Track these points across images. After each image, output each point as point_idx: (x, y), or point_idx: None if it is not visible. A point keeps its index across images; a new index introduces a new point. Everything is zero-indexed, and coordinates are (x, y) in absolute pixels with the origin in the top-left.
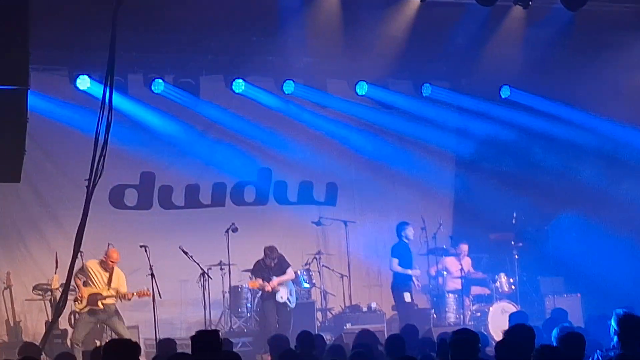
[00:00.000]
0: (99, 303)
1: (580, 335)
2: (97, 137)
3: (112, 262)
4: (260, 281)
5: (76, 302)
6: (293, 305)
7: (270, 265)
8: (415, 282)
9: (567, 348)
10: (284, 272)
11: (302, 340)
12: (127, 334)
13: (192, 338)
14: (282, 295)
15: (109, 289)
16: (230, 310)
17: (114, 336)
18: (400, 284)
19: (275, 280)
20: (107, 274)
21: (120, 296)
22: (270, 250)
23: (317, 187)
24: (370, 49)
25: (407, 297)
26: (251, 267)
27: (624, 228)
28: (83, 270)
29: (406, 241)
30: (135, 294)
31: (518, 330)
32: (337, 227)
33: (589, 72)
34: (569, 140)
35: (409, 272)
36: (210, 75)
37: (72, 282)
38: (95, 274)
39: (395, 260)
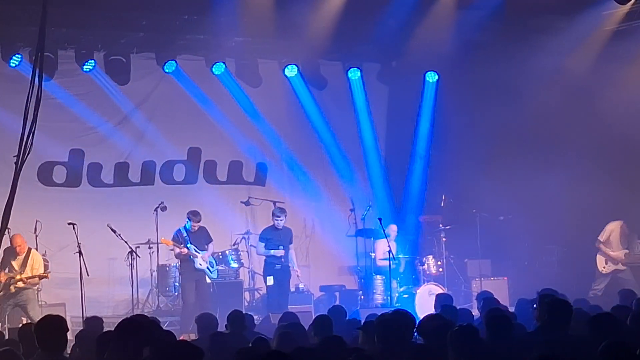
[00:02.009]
0: (11, 287)
1: (506, 317)
2: (26, 114)
3: (17, 247)
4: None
5: None
6: (214, 276)
7: (192, 229)
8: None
9: (493, 328)
10: (205, 243)
11: (232, 319)
12: (37, 314)
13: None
14: (201, 263)
15: (22, 273)
16: (157, 289)
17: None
18: (266, 268)
19: (193, 251)
20: (21, 258)
21: (29, 280)
22: (193, 214)
23: (246, 167)
24: (302, 29)
25: (269, 280)
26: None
27: (550, 214)
28: (3, 259)
29: (275, 227)
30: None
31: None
32: (266, 208)
33: (519, 56)
34: (498, 127)
35: (271, 252)
36: (141, 53)
37: None
38: (9, 260)
39: (262, 245)
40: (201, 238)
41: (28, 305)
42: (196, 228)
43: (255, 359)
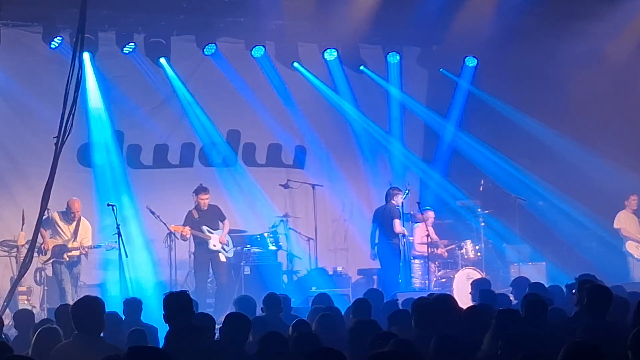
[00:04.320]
0: (65, 255)
1: (542, 302)
2: (66, 95)
3: (74, 212)
4: (186, 228)
5: (40, 254)
6: (230, 255)
7: (201, 207)
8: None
9: (529, 313)
10: (218, 221)
11: (268, 302)
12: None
13: (165, 301)
14: (215, 244)
15: (74, 241)
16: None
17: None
18: (396, 248)
19: (206, 232)
20: (73, 225)
21: (85, 249)
22: (195, 190)
23: (285, 150)
24: (342, 12)
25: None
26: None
27: (590, 199)
28: (49, 221)
29: (396, 204)
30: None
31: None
32: (305, 191)
33: (560, 42)
34: (538, 112)
35: (405, 231)
36: (181, 35)
37: (17, 234)
38: (60, 226)
39: (397, 221)
40: (213, 216)
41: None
42: (206, 207)
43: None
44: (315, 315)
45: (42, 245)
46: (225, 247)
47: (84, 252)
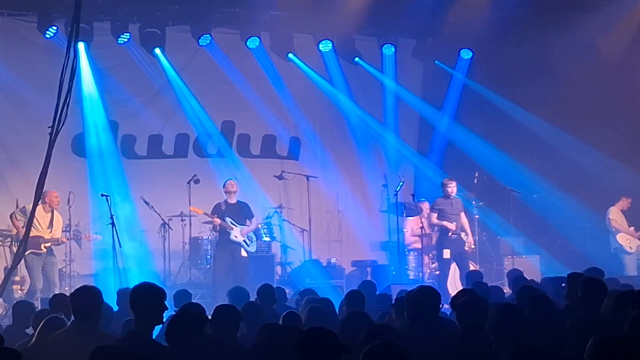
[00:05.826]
0: (42, 246)
1: (546, 297)
2: (61, 85)
3: (53, 205)
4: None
5: (14, 245)
6: (252, 250)
7: (230, 201)
8: (452, 233)
9: (531, 308)
10: (244, 218)
11: (263, 293)
12: (57, 280)
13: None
14: (236, 235)
15: (50, 232)
16: (189, 261)
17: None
18: (440, 240)
19: (229, 223)
20: (49, 217)
21: (55, 241)
22: (230, 185)
23: (280, 141)
24: (337, 4)
25: (446, 253)
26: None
27: (584, 192)
28: (24, 211)
29: (446, 196)
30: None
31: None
32: (299, 182)
33: (555, 33)
34: (533, 104)
35: (444, 223)
36: (176, 25)
37: (11, 224)
38: (37, 217)
39: (434, 215)
40: (238, 212)
41: (53, 269)
42: (233, 200)
43: (278, 334)
44: (305, 307)
45: (18, 234)
46: (246, 241)
47: (63, 241)
